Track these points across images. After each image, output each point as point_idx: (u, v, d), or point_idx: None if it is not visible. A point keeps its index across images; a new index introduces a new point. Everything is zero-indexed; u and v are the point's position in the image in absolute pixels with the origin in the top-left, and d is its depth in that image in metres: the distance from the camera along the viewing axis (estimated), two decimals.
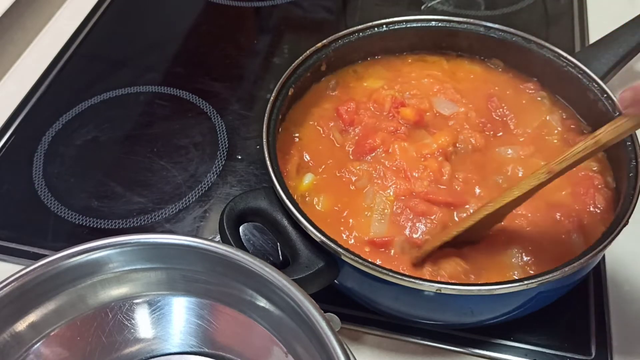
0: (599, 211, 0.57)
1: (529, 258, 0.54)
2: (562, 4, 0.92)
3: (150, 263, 0.45)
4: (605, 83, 0.62)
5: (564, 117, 0.64)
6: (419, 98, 0.65)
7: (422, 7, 0.91)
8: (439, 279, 0.52)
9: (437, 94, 0.66)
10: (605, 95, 0.61)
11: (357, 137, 0.62)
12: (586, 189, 0.58)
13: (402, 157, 0.60)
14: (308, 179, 0.60)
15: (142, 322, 0.47)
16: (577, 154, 0.48)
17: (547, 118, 0.64)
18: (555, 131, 0.63)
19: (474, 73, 0.69)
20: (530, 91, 0.67)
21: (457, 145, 0.62)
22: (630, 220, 0.51)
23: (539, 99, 0.66)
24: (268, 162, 0.55)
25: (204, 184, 0.70)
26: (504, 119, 0.64)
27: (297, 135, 0.63)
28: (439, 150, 0.60)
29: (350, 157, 0.61)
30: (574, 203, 0.57)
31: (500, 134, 0.64)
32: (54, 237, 0.66)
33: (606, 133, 0.47)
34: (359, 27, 0.67)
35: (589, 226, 0.56)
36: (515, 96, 0.66)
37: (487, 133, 0.63)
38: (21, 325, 0.43)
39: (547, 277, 0.48)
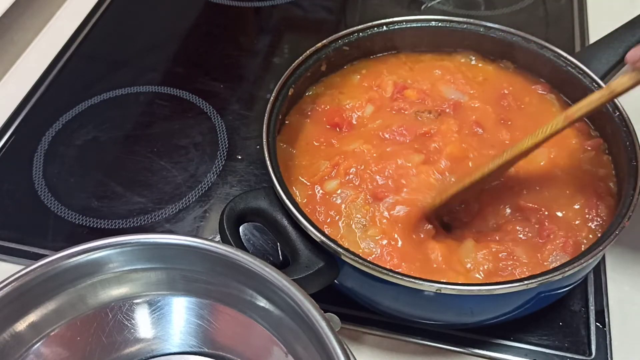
0: (600, 224, 0.56)
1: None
2: (562, 4, 0.92)
3: (150, 263, 0.45)
4: (605, 83, 0.62)
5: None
6: (421, 83, 0.66)
7: (422, 7, 0.91)
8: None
9: (448, 84, 0.66)
10: None
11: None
12: (590, 199, 0.58)
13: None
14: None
15: (142, 322, 0.47)
16: (592, 102, 0.53)
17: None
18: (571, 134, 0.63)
19: (485, 72, 0.69)
20: (540, 92, 0.67)
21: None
22: (630, 220, 0.51)
23: (550, 100, 0.66)
24: (268, 162, 0.55)
25: (204, 184, 0.70)
26: (518, 117, 0.64)
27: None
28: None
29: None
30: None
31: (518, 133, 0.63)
32: (54, 237, 0.66)
33: (619, 84, 0.51)
34: (359, 27, 0.67)
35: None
36: (528, 97, 0.66)
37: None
38: (21, 325, 0.43)
39: (547, 277, 0.48)
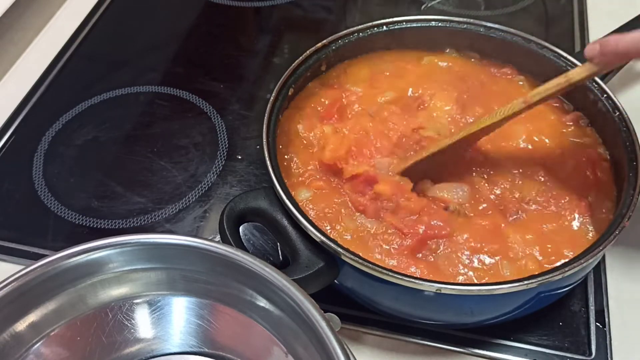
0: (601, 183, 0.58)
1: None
2: (562, 4, 0.92)
3: (150, 263, 0.45)
4: (605, 83, 0.62)
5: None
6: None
7: (422, 7, 0.91)
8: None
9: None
10: (605, 95, 0.61)
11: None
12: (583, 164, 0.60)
13: None
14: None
15: (142, 322, 0.47)
16: (550, 88, 0.55)
17: None
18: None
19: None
20: (507, 76, 0.67)
21: None
22: (630, 220, 0.51)
23: (519, 83, 0.67)
24: (268, 162, 0.55)
25: (204, 184, 0.70)
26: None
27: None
28: None
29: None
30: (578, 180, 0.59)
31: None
32: (54, 237, 0.66)
33: (575, 73, 0.54)
34: (359, 27, 0.67)
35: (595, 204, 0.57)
36: (490, 83, 0.67)
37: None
38: (21, 325, 0.43)
39: (547, 277, 0.48)
